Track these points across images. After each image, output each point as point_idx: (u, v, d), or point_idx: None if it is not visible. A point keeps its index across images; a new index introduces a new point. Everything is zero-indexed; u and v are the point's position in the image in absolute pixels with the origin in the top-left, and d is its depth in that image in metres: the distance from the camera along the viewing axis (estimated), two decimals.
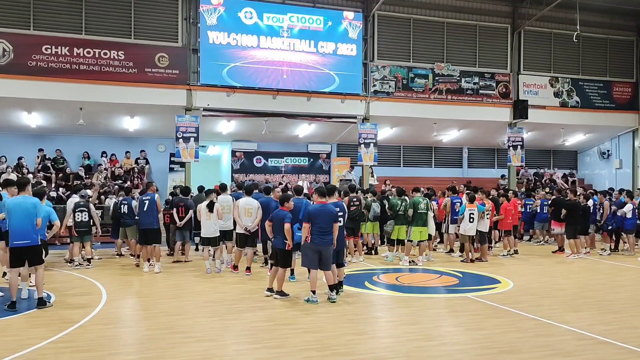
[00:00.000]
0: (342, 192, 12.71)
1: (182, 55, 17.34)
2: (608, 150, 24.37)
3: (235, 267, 11.51)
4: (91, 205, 12.54)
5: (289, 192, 11.24)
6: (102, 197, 17.08)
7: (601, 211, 15.29)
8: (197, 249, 14.90)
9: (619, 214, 15.08)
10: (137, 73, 16.73)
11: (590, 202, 15.13)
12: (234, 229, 11.80)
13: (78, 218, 12.09)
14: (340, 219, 9.17)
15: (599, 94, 22.21)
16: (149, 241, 11.67)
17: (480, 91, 20.56)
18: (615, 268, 12.89)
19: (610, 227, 15.30)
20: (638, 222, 15.49)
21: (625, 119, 22.59)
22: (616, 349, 6.42)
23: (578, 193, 15.65)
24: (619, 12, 21.92)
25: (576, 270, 12.70)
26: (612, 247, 15.47)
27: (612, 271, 12.49)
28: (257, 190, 12.26)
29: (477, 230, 13.09)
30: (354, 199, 13.10)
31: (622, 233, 15.33)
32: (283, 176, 21.52)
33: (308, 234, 8.58)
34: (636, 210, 15.29)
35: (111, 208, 14.30)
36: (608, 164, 24.37)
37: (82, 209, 12.17)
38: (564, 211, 14.51)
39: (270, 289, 9.11)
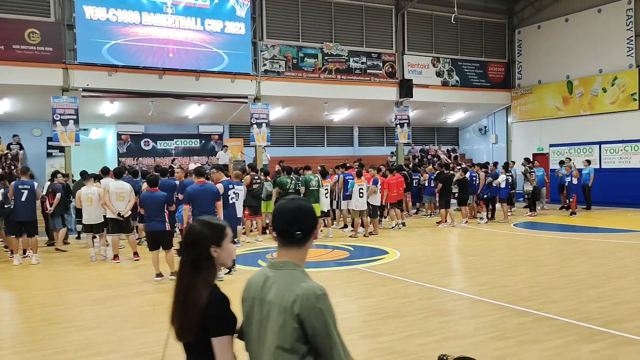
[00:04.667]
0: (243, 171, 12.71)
1: (56, 32, 16.07)
2: (485, 127, 26.11)
3: (116, 257, 10.70)
4: None
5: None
6: None
7: (477, 182, 16.41)
8: (78, 237, 14.09)
9: (494, 184, 16.28)
10: (5, 50, 15.27)
11: (467, 175, 16.19)
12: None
13: None
14: (234, 195, 9.15)
15: (476, 74, 23.64)
16: (30, 233, 10.83)
17: (368, 71, 21.09)
18: (491, 234, 13.93)
19: (485, 196, 16.49)
20: (510, 191, 16.91)
21: (500, 97, 24.28)
22: (489, 306, 6.95)
23: (451, 166, 16.64)
24: None
25: (456, 239, 13.57)
26: (489, 215, 16.69)
27: (487, 237, 13.48)
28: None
29: (369, 204, 13.52)
30: (255, 177, 13.04)
31: (498, 202, 16.64)
32: (174, 159, 20.84)
33: (190, 215, 8.42)
34: (509, 181, 16.62)
35: None
36: (485, 140, 26.13)
37: None
38: (439, 185, 15.48)
39: (159, 274, 8.83)
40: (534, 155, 22.17)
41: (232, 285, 8.29)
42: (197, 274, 2.31)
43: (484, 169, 16.92)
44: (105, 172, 12.15)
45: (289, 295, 2.16)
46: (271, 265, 2.30)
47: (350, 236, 13.64)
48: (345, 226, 15.10)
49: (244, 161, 20.19)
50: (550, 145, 22.48)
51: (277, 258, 2.29)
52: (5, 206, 11.10)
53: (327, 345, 2.13)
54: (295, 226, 2.23)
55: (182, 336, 2.32)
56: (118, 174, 10.91)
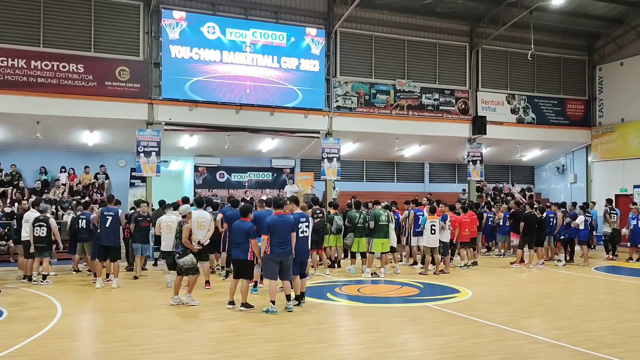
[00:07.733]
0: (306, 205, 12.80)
1: (144, 69, 17.18)
2: (563, 165, 25.14)
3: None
4: (51, 220, 12.15)
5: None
6: (60, 212, 16.67)
7: (555, 222, 15.75)
8: (155, 264, 14.69)
9: (572, 225, 15.59)
10: (97, 86, 16.48)
11: (544, 215, 15.58)
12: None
13: (36, 233, 11.72)
14: (306, 229, 9.31)
15: (553, 111, 22.98)
16: (113, 258, 11.46)
17: (440, 107, 20.99)
18: (570, 277, 13.27)
19: (562, 237, 15.80)
20: (594, 233, 16.10)
21: (579, 135, 23.42)
22: (568, 351, 6.62)
23: (534, 206, 16.07)
24: (571, 32, 22.82)
25: (532, 280, 13.02)
26: (568, 258, 15.92)
27: (566, 280, 12.85)
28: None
29: (440, 241, 13.29)
30: (317, 211, 13.16)
31: (577, 245, 15.89)
32: (246, 191, 21.43)
33: (268, 245, 8.60)
34: (588, 222, 15.86)
35: (69, 223, 13.95)
36: (563, 179, 25.11)
37: (40, 223, 11.77)
38: (521, 224, 14.91)
39: (231, 302, 9.03)
40: (617, 196, 21.08)
41: (301, 316, 8.38)
42: None
43: (562, 209, 16.26)
44: (185, 201, 12.64)
45: None
46: None
47: (420, 273, 13.41)
48: (415, 263, 14.85)
49: (314, 194, 20.44)
50: (635, 187, 21.30)
51: None
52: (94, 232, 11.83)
53: None
54: None
55: None
56: (200, 203, 11.34)
